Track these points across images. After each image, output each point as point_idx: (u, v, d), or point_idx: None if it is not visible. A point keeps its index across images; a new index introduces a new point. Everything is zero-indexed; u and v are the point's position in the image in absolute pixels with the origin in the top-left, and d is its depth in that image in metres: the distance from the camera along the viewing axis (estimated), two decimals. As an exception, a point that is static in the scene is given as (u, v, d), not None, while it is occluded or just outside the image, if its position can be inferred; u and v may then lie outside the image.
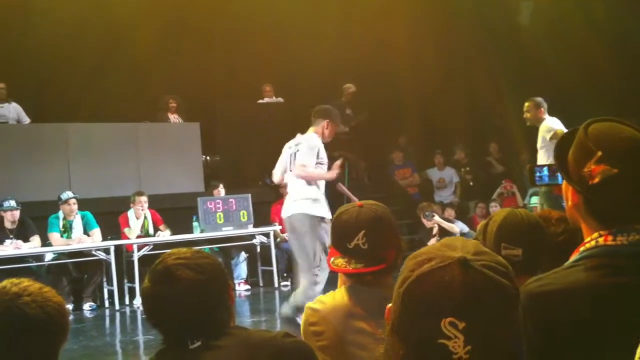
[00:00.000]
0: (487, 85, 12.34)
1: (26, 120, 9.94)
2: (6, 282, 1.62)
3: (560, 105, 10.46)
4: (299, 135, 6.00)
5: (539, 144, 7.65)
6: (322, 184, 5.85)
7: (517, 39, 12.45)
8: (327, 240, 5.59)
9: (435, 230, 9.77)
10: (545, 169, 1.99)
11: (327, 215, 5.64)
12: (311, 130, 5.95)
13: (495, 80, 12.27)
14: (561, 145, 1.52)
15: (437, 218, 9.72)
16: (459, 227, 10.07)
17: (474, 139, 12.88)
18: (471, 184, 12.24)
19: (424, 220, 9.82)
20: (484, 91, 12.85)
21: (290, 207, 5.75)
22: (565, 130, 7.32)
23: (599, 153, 1.39)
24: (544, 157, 7.32)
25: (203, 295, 1.76)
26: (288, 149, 5.97)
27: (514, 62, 12.35)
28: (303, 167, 5.71)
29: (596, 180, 1.39)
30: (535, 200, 9.62)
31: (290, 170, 5.82)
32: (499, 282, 1.06)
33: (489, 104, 12.95)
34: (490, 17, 12.68)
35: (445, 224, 9.73)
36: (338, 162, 6.03)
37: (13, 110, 9.82)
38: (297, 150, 5.80)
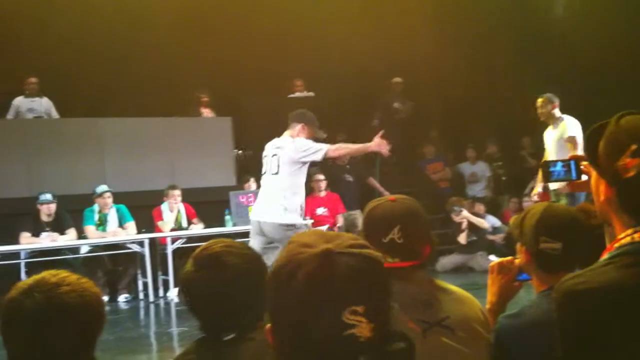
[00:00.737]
0: (519, 77, 12.20)
1: (55, 115, 10.08)
2: (45, 273, 1.65)
3: (591, 97, 10.34)
4: (277, 139, 5.92)
5: (554, 141, 7.51)
6: (301, 192, 5.77)
7: (552, 30, 12.28)
8: None
9: (464, 225, 9.70)
10: (559, 164, 1.94)
11: (298, 221, 5.66)
12: (287, 133, 5.86)
13: (528, 73, 12.12)
14: (591, 138, 1.50)
15: (465, 213, 9.65)
16: (490, 222, 9.99)
17: (506, 133, 12.74)
18: (503, 178, 12.12)
19: (452, 215, 9.76)
20: (515, 83, 12.71)
21: (260, 212, 5.75)
22: (580, 134, 7.07)
23: (634, 146, 1.37)
24: (560, 155, 7.20)
25: (248, 284, 1.77)
26: (265, 151, 5.91)
27: (547, 54, 12.19)
28: (332, 148, 5.67)
29: (631, 173, 1.37)
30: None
31: (274, 174, 5.71)
32: (366, 255, 1.10)
33: (520, 96, 12.81)
34: (524, 9, 12.54)
35: (474, 219, 9.65)
36: (379, 135, 5.90)
37: (45, 105, 9.98)
38: (275, 154, 5.73)
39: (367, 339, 1.05)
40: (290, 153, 5.65)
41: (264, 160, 5.87)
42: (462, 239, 9.67)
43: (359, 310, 1.04)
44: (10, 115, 9.80)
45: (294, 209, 5.65)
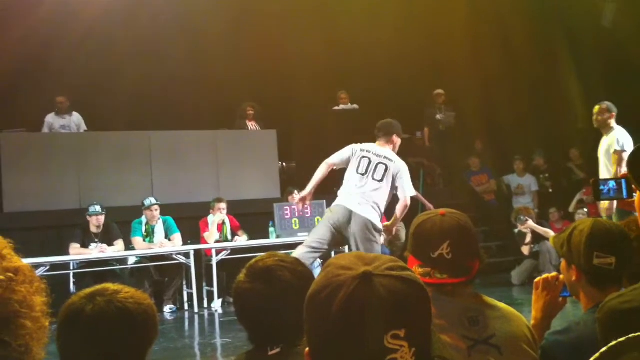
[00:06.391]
0: (567, 88, 12.03)
1: (84, 129, 10.36)
2: (103, 284, 1.71)
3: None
4: (379, 148, 6.17)
5: (603, 152, 7.41)
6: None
7: (603, 40, 12.06)
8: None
9: (528, 238, 9.52)
10: (611, 182, 1.91)
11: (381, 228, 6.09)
12: (386, 146, 6.21)
13: (576, 84, 11.94)
14: (635, 157, 1.47)
15: (530, 223, 9.46)
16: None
17: (553, 145, 12.55)
18: (550, 191, 11.91)
19: (518, 224, 9.59)
20: (563, 94, 12.53)
21: (354, 204, 5.96)
22: (629, 149, 6.96)
23: None
24: (604, 167, 7.19)
25: (296, 299, 1.79)
26: (367, 153, 6.09)
27: (597, 64, 11.98)
28: (406, 204, 6.09)
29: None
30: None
31: (379, 180, 6.00)
32: (406, 277, 1.07)
33: (568, 107, 12.61)
34: (571, 19, 12.36)
35: (540, 229, 9.44)
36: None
37: (75, 120, 10.29)
38: (382, 163, 6.03)
39: None
40: (396, 172, 6.04)
41: (362, 160, 6.08)
42: (526, 250, 9.56)
43: (401, 334, 1.02)
44: (44, 131, 10.14)
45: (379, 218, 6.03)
